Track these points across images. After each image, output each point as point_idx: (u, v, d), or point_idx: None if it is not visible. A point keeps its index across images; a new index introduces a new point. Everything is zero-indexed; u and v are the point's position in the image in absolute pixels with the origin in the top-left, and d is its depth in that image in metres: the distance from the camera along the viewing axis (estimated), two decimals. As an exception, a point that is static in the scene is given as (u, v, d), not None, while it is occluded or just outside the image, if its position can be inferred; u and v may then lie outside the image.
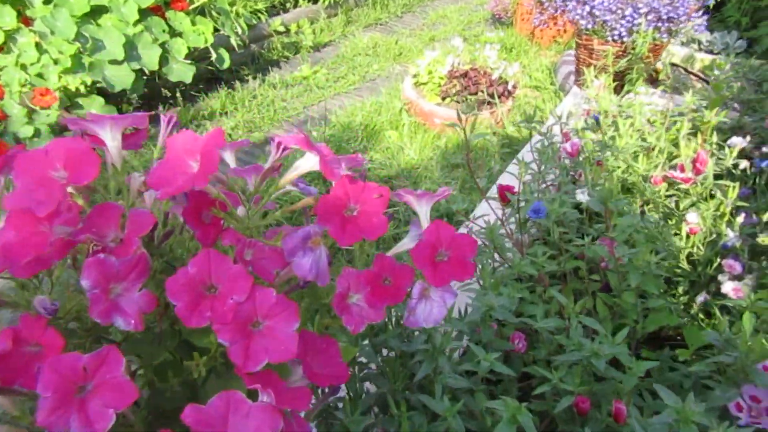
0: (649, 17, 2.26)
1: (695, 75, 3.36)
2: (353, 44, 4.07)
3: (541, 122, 2.30)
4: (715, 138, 1.65)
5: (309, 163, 0.56)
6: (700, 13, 2.33)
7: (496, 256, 1.28)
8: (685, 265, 1.42)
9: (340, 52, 3.96)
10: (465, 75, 2.91)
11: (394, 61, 3.90)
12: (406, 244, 0.69)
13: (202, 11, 3.00)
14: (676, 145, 1.95)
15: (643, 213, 1.58)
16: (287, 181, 0.57)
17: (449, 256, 0.59)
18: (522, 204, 1.32)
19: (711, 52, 4.04)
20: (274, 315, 0.52)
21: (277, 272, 0.59)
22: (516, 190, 1.33)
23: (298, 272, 0.56)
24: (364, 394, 0.89)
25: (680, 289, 1.40)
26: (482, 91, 2.86)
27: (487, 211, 1.49)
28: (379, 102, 3.12)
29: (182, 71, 2.80)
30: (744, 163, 1.59)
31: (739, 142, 1.62)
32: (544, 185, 1.51)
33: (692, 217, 1.40)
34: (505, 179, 2.00)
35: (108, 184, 0.57)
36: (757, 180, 1.74)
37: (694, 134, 2.00)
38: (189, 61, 2.81)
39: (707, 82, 3.44)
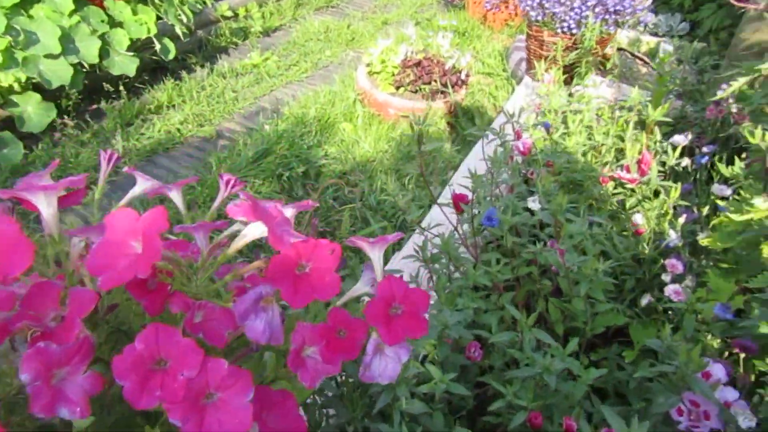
0: (597, 9, 2.30)
1: (641, 59, 3.45)
2: (304, 29, 3.98)
3: (490, 123, 2.33)
4: (658, 136, 1.70)
5: (257, 231, 0.54)
6: (647, 3, 2.38)
7: (452, 266, 1.30)
8: (631, 263, 1.48)
9: (291, 38, 3.86)
10: (418, 64, 2.90)
11: (347, 46, 3.84)
12: (359, 288, 0.69)
13: (143, -1, 2.86)
14: (625, 139, 2.01)
15: (591, 207, 1.63)
16: (236, 250, 0.56)
17: (403, 311, 0.59)
18: (475, 212, 1.34)
19: (656, 34, 4.15)
20: (226, 387, 0.51)
21: (228, 333, 0.59)
22: (469, 198, 1.34)
23: (251, 335, 0.56)
24: (324, 423, 0.90)
25: (627, 286, 1.46)
26: (436, 81, 2.86)
27: (442, 219, 1.50)
28: (333, 92, 3.07)
29: (125, 64, 2.68)
30: (686, 161, 1.65)
31: (681, 140, 1.69)
32: (496, 189, 1.53)
33: (638, 218, 1.45)
34: (459, 178, 2.02)
35: (46, 252, 0.55)
36: (698, 175, 1.82)
37: (642, 126, 2.07)
38: (131, 53, 2.69)
39: (652, 67, 3.54)
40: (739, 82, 1.52)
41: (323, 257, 0.60)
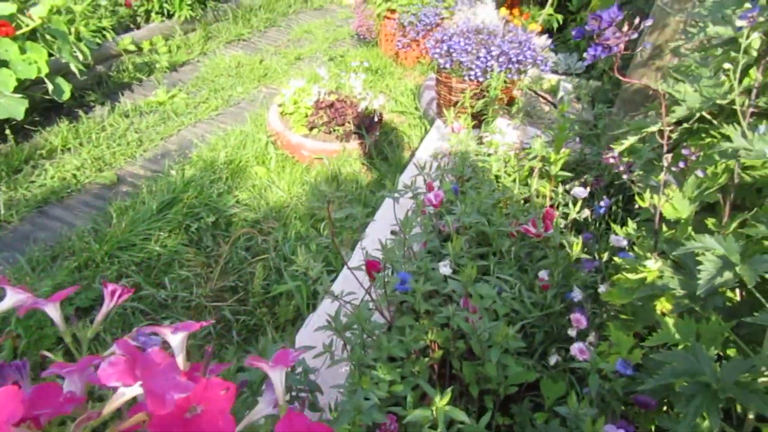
0: (501, 59, 2.40)
1: (543, 97, 3.65)
2: (214, 64, 3.87)
3: (404, 165, 2.35)
4: (561, 188, 1.79)
5: (135, 390, 0.49)
6: (547, 54, 2.52)
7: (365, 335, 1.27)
8: (540, 316, 1.52)
9: (200, 73, 3.74)
10: (331, 106, 2.89)
11: (259, 82, 3.77)
12: (261, 410, 0.65)
13: (33, 35, 2.66)
14: (530, 186, 2.10)
15: (500, 260, 1.67)
16: (111, 411, 0.50)
17: (304, 452, 0.56)
18: (387, 280, 1.33)
19: (556, 72, 4.42)
20: None
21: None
22: (381, 267, 1.33)
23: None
24: None
25: (537, 339, 1.50)
26: (349, 122, 2.86)
27: (354, 285, 1.48)
28: (244, 132, 2.99)
29: (11, 106, 2.46)
30: (586, 212, 1.74)
31: (581, 193, 1.78)
32: (409, 250, 1.53)
33: (544, 274, 1.50)
34: (374, 229, 2.01)
35: None
36: (597, 225, 1.92)
37: (547, 172, 2.17)
38: (19, 95, 2.48)
39: (554, 105, 3.76)
40: (630, 141, 1.62)
41: (216, 398, 0.55)
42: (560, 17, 4.83)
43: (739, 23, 1.11)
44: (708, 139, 1.53)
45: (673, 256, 1.29)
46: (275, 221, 2.42)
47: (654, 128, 1.51)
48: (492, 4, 4.76)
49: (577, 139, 2.66)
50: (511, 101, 2.73)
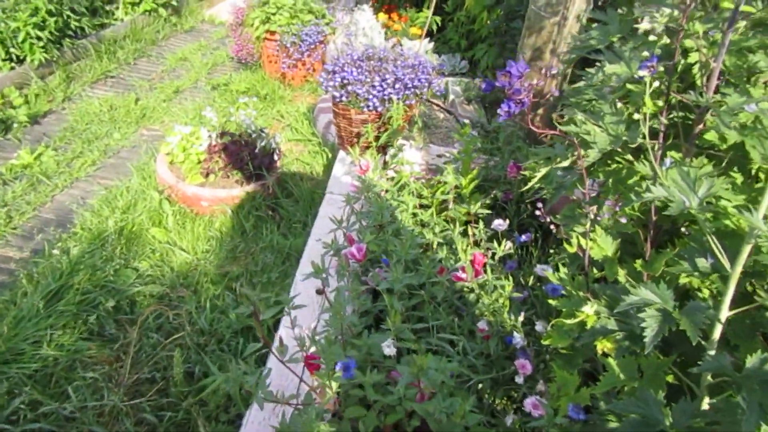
0: (397, 86, 2.36)
1: (436, 104, 3.68)
2: (82, 109, 3.49)
3: (311, 202, 2.22)
4: (482, 225, 1.77)
5: None
6: (438, 80, 2.51)
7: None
8: (482, 362, 1.50)
9: (68, 123, 3.36)
10: (225, 149, 2.70)
11: (138, 125, 3.46)
12: None
13: None
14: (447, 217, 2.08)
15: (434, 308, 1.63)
16: None
17: None
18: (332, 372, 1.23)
19: (443, 74, 4.48)
20: None
21: None
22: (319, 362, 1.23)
23: None
24: None
25: (484, 388, 1.48)
26: (248, 164, 2.69)
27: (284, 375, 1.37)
28: (132, 189, 2.72)
29: None
30: (509, 245, 1.74)
31: (501, 225, 1.78)
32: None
33: (483, 324, 1.48)
34: (298, 287, 1.89)
35: None
36: (520, 252, 1.94)
37: (459, 196, 2.16)
38: None
39: (449, 112, 3.80)
40: (542, 173, 1.64)
41: None
42: (438, 19, 4.91)
43: (641, 73, 1.13)
44: (614, 166, 1.58)
45: (606, 299, 1.31)
46: (184, 288, 2.22)
47: (565, 163, 1.53)
48: (370, 11, 4.73)
49: (482, 151, 2.68)
50: (409, 121, 2.70)
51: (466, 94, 4.24)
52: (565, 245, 1.36)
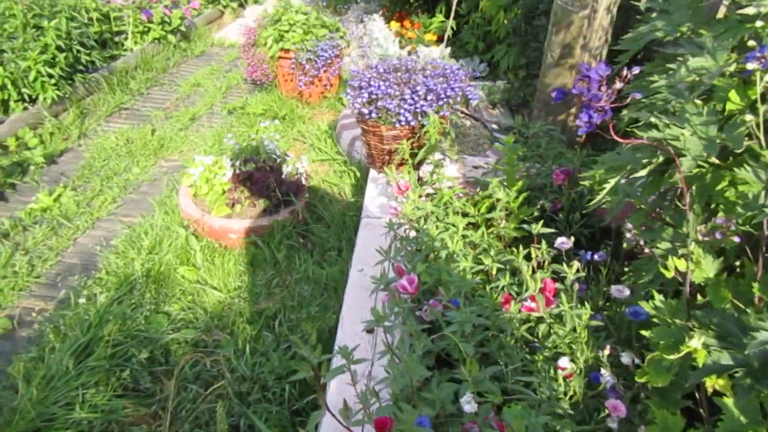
0: (429, 97, 2.20)
1: (464, 113, 3.52)
2: (99, 145, 3.39)
3: (343, 224, 2.06)
4: (544, 246, 1.60)
5: None
6: (472, 86, 2.35)
7: None
8: (567, 405, 1.33)
9: (84, 161, 3.25)
10: (250, 177, 2.57)
11: (156, 156, 3.34)
12: None
13: None
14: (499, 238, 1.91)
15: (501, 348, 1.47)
16: None
17: None
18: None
19: (474, 80, 4.32)
20: None
21: None
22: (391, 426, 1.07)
23: None
24: None
25: (571, 433, 1.30)
26: (275, 191, 2.55)
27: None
28: (155, 226, 2.59)
29: None
30: (576, 265, 1.57)
31: (565, 244, 1.61)
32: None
33: (564, 362, 1.31)
34: (345, 326, 1.73)
35: None
36: (587, 272, 1.76)
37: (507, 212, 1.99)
38: None
39: (475, 119, 3.64)
40: (611, 183, 1.46)
41: None
42: (453, 23, 4.76)
43: (750, 66, 0.96)
44: (695, 170, 1.39)
45: (714, 329, 1.13)
46: (220, 331, 2.07)
47: (642, 173, 1.36)
48: (380, 20, 4.60)
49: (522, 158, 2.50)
50: (441, 133, 2.55)
51: (491, 98, 4.07)
52: (661, 270, 1.18)
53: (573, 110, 3.14)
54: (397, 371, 1.23)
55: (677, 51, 1.39)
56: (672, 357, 1.14)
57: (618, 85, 1.05)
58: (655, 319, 1.30)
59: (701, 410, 1.17)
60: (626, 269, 1.65)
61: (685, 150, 1.13)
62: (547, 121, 2.92)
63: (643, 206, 1.69)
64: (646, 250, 1.46)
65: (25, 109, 3.42)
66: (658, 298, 1.20)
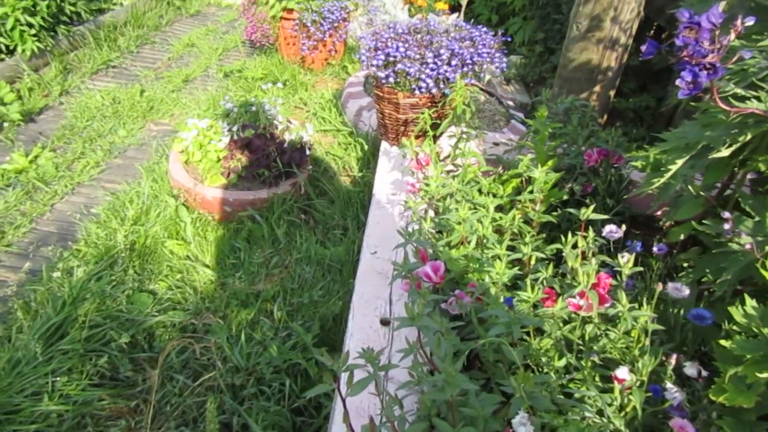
0: (454, 63, 1.97)
1: (481, 88, 3.28)
2: (82, 104, 3.11)
3: (347, 203, 1.82)
4: (591, 234, 1.38)
5: None
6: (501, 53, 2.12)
7: None
8: (620, 423, 1.13)
9: (66, 120, 2.97)
10: (249, 144, 2.32)
11: (145, 119, 3.08)
12: None
13: None
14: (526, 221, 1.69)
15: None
16: None
17: None
18: None
19: (504, 48, 4.07)
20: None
21: None
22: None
23: None
24: None
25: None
26: (275, 162, 2.31)
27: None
28: (142, 194, 2.34)
29: None
30: (630, 258, 1.36)
31: (615, 233, 1.40)
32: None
33: (623, 373, 1.10)
34: (357, 315, 1.51)
35: None
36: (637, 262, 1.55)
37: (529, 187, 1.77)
38: None
39: (490, 94, 3.40)
40: (678, 164, 1.25)
41: None
42: (467, -8, 4.49)
43: None
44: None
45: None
46: (211, 315, 1.85)
47: (725, 152, 1.14)
48: (390, -13, 4.31)
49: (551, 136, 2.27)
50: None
51: (505, 73, 3.83)
52: (761, 271, 0.98)
53: (597, 88, 2.91)
54: (430, 381, 1.02)
55: None
56: (764, 375, 0.94)
57: (732, 36, 0.83)
58: (734, 327, 1.10)
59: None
60: (685, 264, 1.45)
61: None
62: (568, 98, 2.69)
63: (702, 193, 1.48)
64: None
65: (1, 60, 3.12)
66: (750, 303, 1.00)
